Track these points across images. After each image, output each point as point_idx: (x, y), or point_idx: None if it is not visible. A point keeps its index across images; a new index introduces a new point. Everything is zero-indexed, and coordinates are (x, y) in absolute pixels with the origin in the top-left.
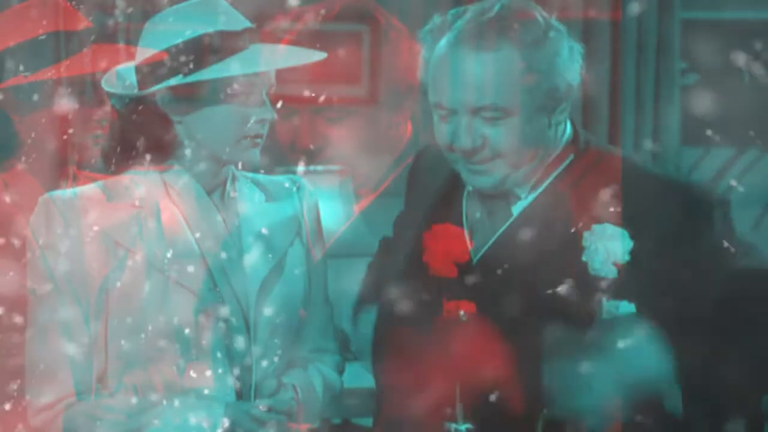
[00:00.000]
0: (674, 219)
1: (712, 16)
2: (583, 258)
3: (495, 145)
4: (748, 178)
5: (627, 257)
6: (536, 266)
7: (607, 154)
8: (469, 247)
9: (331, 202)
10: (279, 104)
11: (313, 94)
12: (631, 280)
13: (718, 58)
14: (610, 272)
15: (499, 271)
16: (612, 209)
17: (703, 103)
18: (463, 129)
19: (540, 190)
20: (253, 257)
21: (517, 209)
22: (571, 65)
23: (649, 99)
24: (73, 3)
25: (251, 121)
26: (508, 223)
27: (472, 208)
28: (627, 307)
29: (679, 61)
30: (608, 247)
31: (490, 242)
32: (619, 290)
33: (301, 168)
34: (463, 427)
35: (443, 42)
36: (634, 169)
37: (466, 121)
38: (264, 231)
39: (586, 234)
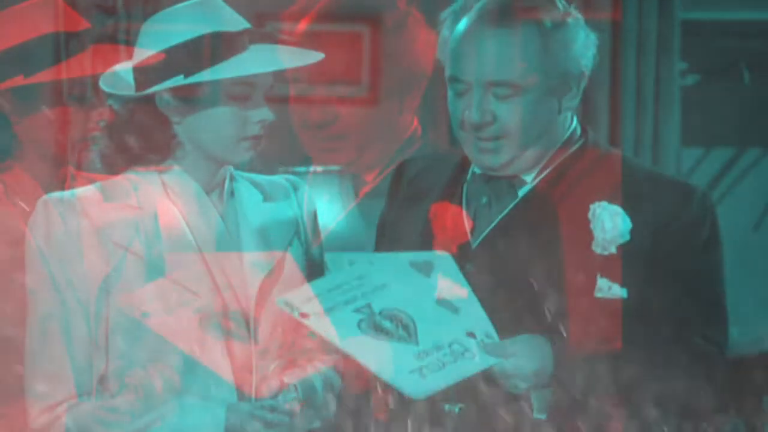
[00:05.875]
0: (666, 215)
1: (712, 16)
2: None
3: (504, 122)
4: (748, 178)
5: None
6: (541, 244)
7: (610, 152)
8: (469, 228)
9: (331, 202)
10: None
11: (313, 94)
12: (626, 267)
13: (718, 58)
14: (623, 237)
15: (503, 251)
16: (611, 197)
17: (703, 103)
18: (475, 104)
19: (545, 174)
20: (252, 257)
21: (522, 192)
22: (585, 52)
23: (649, 99)
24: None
25: (250, 123)
26: (513, 203)
27: (477, 193)
28: (618, 290)
29: (679, 61)
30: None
31: (495, 221)
32: (614, 273)
33: (301, 168)
34: (456, 407)
35: (465, 19)
36: (634, 166)
37: (479, 96)
38: (262, 231)
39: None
